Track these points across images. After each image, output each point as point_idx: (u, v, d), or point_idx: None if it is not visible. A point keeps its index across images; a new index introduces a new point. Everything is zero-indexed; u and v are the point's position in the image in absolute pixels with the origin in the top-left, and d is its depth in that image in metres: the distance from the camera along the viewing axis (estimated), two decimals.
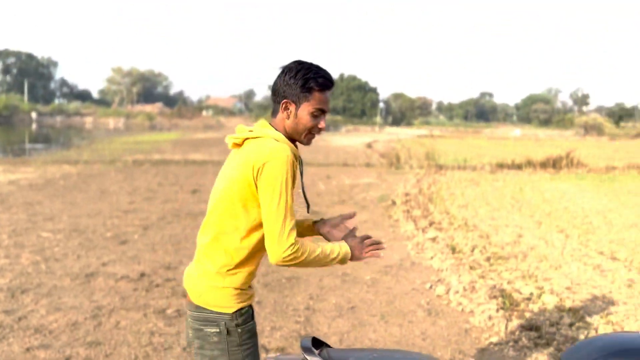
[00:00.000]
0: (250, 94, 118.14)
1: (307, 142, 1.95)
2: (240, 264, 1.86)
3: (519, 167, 17.42)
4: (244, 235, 1.85)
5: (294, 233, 1.79)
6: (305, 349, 1.69)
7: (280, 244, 1.77)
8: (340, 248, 1.90)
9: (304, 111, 1.87)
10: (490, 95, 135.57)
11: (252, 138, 1.87)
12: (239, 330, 1.86)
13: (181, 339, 4.02)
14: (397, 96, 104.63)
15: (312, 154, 23.20)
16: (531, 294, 4.94)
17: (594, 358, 1.64)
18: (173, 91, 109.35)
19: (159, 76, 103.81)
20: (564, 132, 69.85)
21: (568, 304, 4.68)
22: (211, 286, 1.86)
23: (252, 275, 1.92)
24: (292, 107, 1.87)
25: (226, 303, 1.85)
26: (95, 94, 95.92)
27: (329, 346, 1.87)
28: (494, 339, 4.04)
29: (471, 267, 5.88)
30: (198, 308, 1.89)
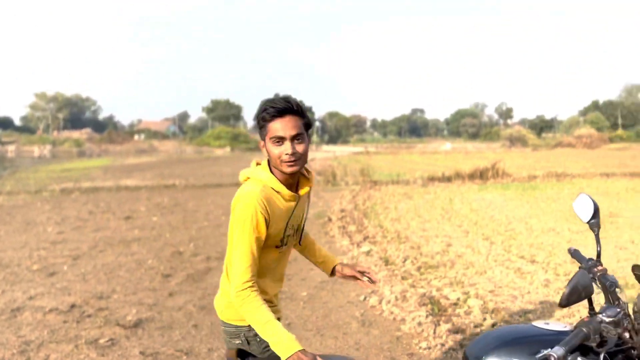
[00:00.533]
0: (184, 117, 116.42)
1: (288, 170, 1.98)
2: None
3: (448, 179, 18.17)
4: None
5: (246, 276, 1.89)
6: None
7: (233, 280, 1.91)
8: (288, 341, 1.81)
9: (269, 144, 1.98)
10: (422, 111, 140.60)
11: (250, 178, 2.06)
12: (258, 339, 2.01)
13: None
14: (332, 115, 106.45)
15: None
16: (458, 299, 5.21)
17: (491, 348, 1.83)
18: (102, 116, 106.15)
19: (87, 101, 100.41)
20: (491, 144, 73.23)
21: (491, 305, 4.98)
22: (229, 304, 2.04)
23: (263, 294, 2.03)
24: (263, 145, 2.03)
25: (241, 317, 1.99)
26: (17, 121, 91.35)
27: (255, 356, 1.96)
28: (424, 344, 4.24)
29: (403, 277, 6.12)
30: (224, 323, 2.12)
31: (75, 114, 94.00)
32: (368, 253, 7.41)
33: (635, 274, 2.09)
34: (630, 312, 1.87)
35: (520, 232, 8.62)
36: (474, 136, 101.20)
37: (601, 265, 2.19)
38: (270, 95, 2.21)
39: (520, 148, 60.43)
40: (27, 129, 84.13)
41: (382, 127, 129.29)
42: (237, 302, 1.89)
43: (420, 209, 11.77)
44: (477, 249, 7.48)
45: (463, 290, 5.51)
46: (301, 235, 2.25)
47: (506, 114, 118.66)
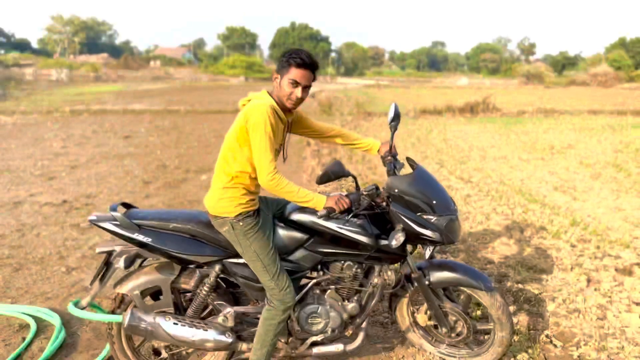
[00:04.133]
0: (200, 44, 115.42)
1: (290, 106, 2.53)
2: (235, 184, 2.57)
3: (439, 112, 18.79)
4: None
5: (272, 166, 2.42)
6: (112, 209, 2.71)
7: (262, 172, 2.44)
8: (318, 195, 2.50)
9: (284, 81, 2.47)
10: (442, 44, 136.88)
11: (252, 100, 2.57)
12: (240, 224, 2.55)
13: (90, 242, 5.07)
14: (350, 46, 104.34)
15: None
16: None
17: (293, 210, 2.71)
18: (119, 41, 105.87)
19: (103, 25, 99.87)
20: (510, 80, 71.94)
21: None
22: (219, 200, 2.58)
23: (248, 192, 2.59)
24: (278, 78, 2.52)
25: (226, 210, 2.57)
26: (34, 44, 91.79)
27: (136, 207, 2.89)
28: None
29: (347, 189, 7.11)
30: (214, 217, 2.61)
31: (92, 39, 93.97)
32: None
33: (409, 164, 2.99)
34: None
35: (473, 159, 9.48)
36: (494, 72, 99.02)
37: (390, 155, 3.08)
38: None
39: (536, 85, 59.57)
40: (44, 52, 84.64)
41: (400, 60, 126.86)
42: (271, 186, 2.44)
43: (398, 138, 12.58)
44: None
45: None
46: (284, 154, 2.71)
47: (528, 49, 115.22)
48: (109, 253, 2.71)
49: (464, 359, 2.99)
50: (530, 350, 3.10)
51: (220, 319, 2.70)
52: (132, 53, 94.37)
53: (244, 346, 2.74)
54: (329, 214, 2.54)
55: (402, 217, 2.62)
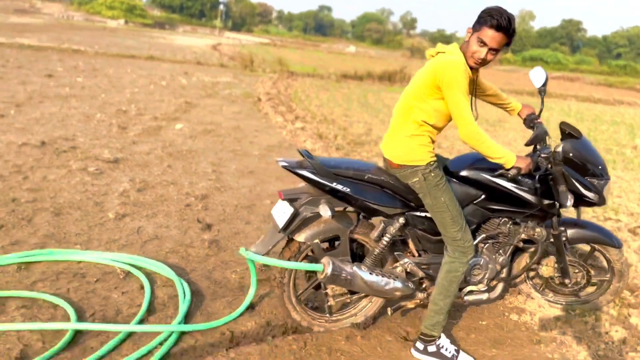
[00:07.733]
0: None
1: (471, 65, 2.46)
2: (423, 132, 2.57)
3: (360, 78, 19.23)
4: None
5: (472, 119, 2.40)
6: (306, 154, 2.57)
7: (464, 126, 2.40)
8: (510, 153, 2.48)
9: (473, 39, 2.40)
10: (329, 9, 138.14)
11: (441, 52, 2.52)
12: (432, 174, 2.55)
13: (112, 186, 4.62)
14: (238, 0, 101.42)
15: (159, 51, 22.48)
16: None
17: (467, 164, 2.76)
18: None
19: None
20: (393, 52, 74.89)
21: None
22: (409, 149, 2.56)
23: (432, 141, 2.61)
24: (470, 33, 2.44)
25: (417, 158, 2.56)
26: None
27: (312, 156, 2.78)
28: None
29: (337, 148, 7.17)
30: (401, 167, 2.59)
31: None
32: (303, 129, 8.32)
33: (560, 128, 3.11)
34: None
35: None
36: (377, 42, 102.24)
37: (539, 119, 3.16)
38: None
39: (419, 59, 62.79)
40: None
41: (287, 21, 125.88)
42: (473, 139, 2.42)
43: (339, 99, 12.76)
44: None
45: None
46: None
47: (410, 24, 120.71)
48: (292, 200, 2.60)
49: (570, 306, 3.33)
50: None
51: (399, 268, 2.74)
52: None
53: (420, 295, 2.81)
54: (517, 174, 2.60)
55: (572, 180, 2.81)
